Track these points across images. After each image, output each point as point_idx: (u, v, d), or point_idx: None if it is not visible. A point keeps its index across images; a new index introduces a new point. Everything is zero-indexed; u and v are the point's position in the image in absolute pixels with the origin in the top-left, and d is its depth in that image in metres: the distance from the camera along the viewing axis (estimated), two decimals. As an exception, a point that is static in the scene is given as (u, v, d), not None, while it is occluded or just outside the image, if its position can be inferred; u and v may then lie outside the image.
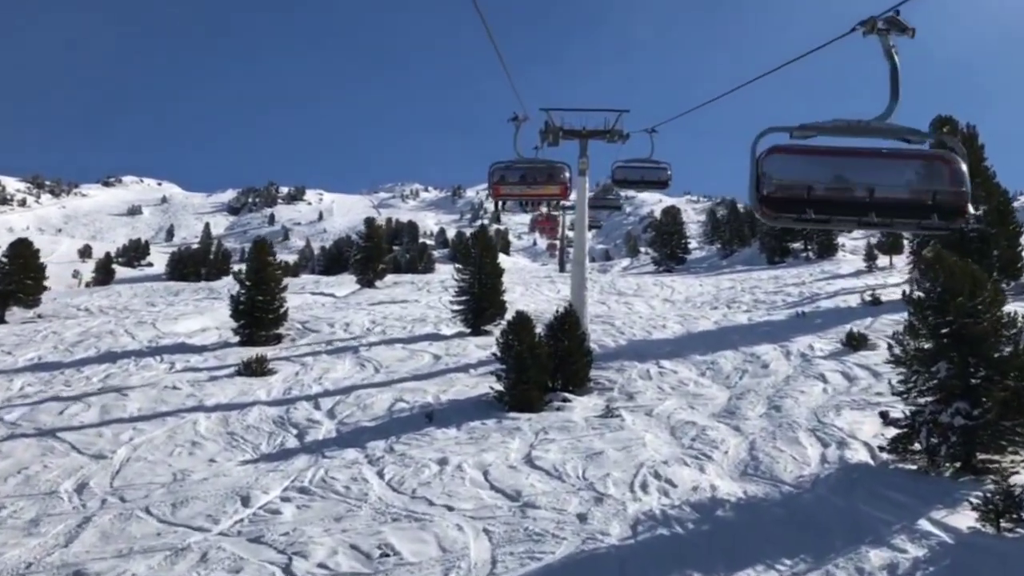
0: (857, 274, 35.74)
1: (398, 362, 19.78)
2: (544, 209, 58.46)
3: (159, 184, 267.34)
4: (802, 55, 7.92)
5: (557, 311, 17.22)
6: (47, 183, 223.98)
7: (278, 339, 24.27)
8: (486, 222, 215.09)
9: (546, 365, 16.10)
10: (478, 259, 23.44)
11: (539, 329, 19.09)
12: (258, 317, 23.87)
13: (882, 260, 37.15)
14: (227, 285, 50.95)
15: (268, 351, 22.18)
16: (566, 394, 16.22)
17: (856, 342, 18.62)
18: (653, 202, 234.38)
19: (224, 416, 15.85)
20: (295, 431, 14.96)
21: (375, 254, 40.58)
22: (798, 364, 18.08)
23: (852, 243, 49.68)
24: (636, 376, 17.76)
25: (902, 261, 37.86)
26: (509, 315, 26.10)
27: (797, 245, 47.73)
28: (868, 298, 24.64)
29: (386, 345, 21.75)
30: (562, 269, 64.24)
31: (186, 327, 27.17)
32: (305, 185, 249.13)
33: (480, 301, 23.20)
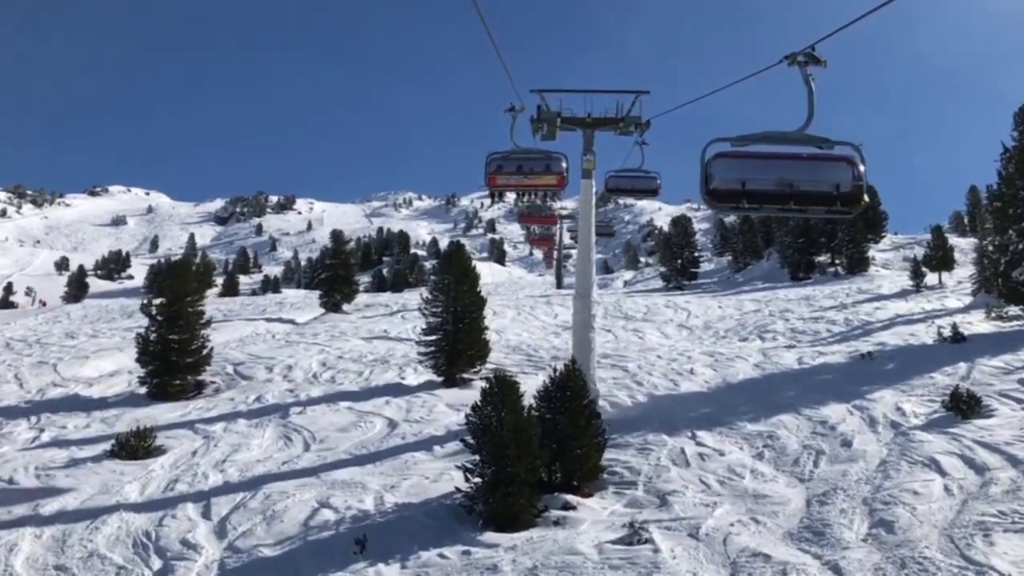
0: (903, 295, 30.69)
1: (338, 432, 14.55)
2: (535, 229, 53.65)
3: (147, 194, 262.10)
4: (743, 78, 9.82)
5: (555, 370, 12.05)
6: (29, 192, 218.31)
7: (199, 388, 19.12)
8: (480, 231, 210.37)
9: (539, 454, 10.96)
10: (452, 287, 18.25)
11: (530, 385, 14.13)
12: (173, 361, 18.71)
13: (930, 277, 32.07)
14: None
15: (178, 409, 17.06)
16: (568, 497, 11.07)
17: (965, 406, 13.50)
18: (652, 210, 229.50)
19: (63, 533, 10.70)
20: (158, 564, 9.81)
21: (343, 273, 35.22)
22: (891, 439, 12.93)
23: (882, 256, 44.66)
24: (667, 460, 12.59)
25: (952, 279, 32.90)
26: (496, 354, 21.12)
27: (823, 259, 42.73)
28: (947, 333, 19.52)
29: (329, 404, 16.50)
30: (559, 285, 59.14)
31: (95, 369, 22.03)
32: (295, 194, 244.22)
33: (455, 342, 17.99)
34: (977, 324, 21.84)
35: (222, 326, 30.56)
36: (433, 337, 18.12)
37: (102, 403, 18.16)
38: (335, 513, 10.94)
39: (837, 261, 41.87)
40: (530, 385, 17.97)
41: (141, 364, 18.64)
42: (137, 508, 11.50)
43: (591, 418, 11.89)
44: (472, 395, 16.75)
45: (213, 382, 19.58)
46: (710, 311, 31.68)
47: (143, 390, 18.71)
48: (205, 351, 19.34)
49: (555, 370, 11.96)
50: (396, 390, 17.61)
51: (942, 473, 11.39)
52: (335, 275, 34.85)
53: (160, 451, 13.70)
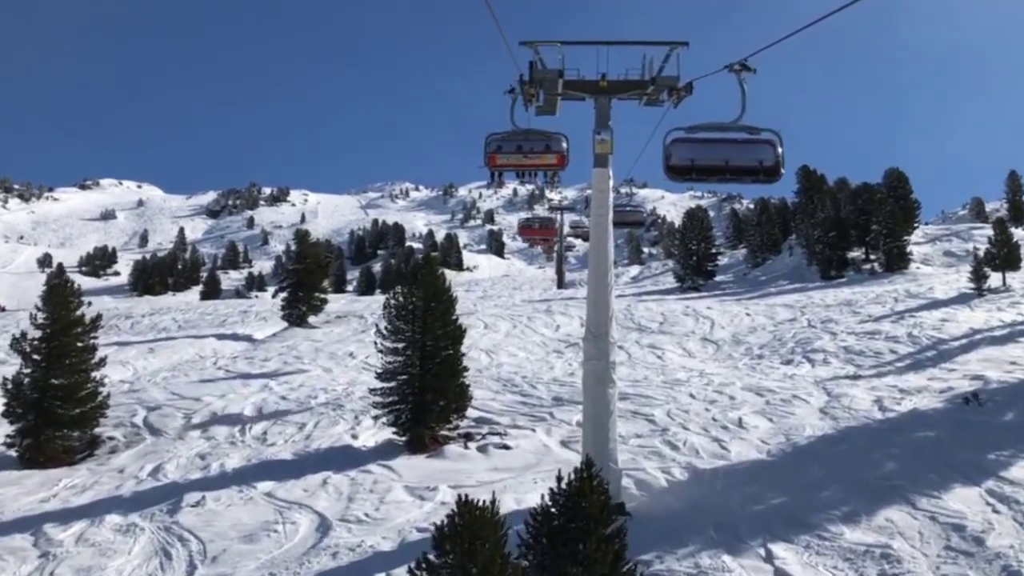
0: (964, 299, 26.10)
1: (242, 542, 9.94)
2: (535, 231, 54.58)
3: (139, 187, 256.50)
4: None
5: (559, 479, 7.46)
6: (15, 187, 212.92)
7: (91, 447, 14.66)
8: (479, 222, 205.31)
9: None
10: (420, 313, 13.60)
11: (525, 448, 9.91)
12: (55, 414, 14.22)
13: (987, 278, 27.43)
14: (164, 308, 40.35)
15: (44, 488, 12.59)
16: None
17: None
18: (655, 198, 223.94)
19: None
20: None
21: (309, 279, 30.43)
22: (1077, 564, 8.39)
23: (920, 250, 40.03)
24: (736, 609, 8.04)
25: (1016, 281, 28.30)
26: (482, 392, 16.58)
27: (856, 254, 38.14)
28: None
29: (242, 487, 11.76)
30: (561, 284, 54.74)
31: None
32: (289, 186, 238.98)
33: (422, 389, 13.39)
34: (1089, 346, 17.29)
35: (163, 346, 26.05)
36: (392, 384, 13.49)
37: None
38: None
39: (873, 257, 37.30)
40: (525, 448, 13.53)
41: (9, 419, 14.14)
42: None
43: (619, 558, 7.34)
44: (443, 468, 12.26)
45: (112, 437, 15.09)
46: (737, 320, 27.16)
47: (14, 452, 14.22)
48: (100, 396, 14.83)
49: (559, 479, 7.38)
50: (342, 458, 12.97)
51: None
52: (300, 282, 30.10)
53: (-33, 585, 9.18)
